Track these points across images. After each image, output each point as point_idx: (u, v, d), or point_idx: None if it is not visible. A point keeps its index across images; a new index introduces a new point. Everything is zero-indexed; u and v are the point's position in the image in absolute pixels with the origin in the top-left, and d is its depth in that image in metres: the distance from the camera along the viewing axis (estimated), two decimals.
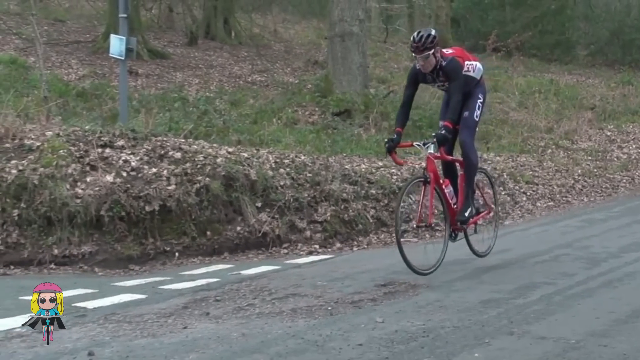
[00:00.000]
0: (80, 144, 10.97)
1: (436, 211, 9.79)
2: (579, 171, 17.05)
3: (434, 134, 8.67)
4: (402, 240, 8.51)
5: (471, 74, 8.97)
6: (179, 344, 6.21)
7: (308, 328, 6.71)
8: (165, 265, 10.33)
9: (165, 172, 10.81)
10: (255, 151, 12.35)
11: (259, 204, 11.17)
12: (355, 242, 11.50)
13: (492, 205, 10.00)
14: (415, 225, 9.24)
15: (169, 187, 10.64)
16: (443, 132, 8.49)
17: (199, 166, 11.07)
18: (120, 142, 11.20)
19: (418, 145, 8.80)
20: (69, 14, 24.62)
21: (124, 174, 10.63)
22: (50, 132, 11.17)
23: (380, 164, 13.22)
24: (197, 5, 26.00)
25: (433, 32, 8.57)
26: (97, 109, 16.04)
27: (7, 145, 10.74)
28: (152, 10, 25.44)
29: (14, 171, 10.26)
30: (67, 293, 8.23)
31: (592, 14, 31.30)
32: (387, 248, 11.17)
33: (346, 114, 17.39)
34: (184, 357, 5.90)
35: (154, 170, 10.81)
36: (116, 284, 9.01)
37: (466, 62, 8.92)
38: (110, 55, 13.72)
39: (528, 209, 14.45)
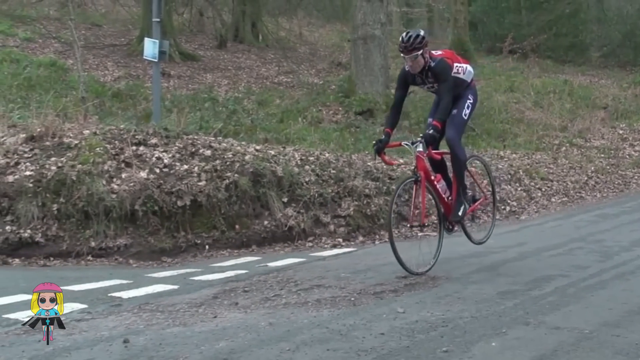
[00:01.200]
0: (116, 142, 11.01)
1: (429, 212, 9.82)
2: (592, 168, 16.94)
3: (422, 134, 8.33)
4: (395, 242, 8.18)
5: (461, 76, 8.54)
6: (209, 332, 6.23)
7: (332, 318, 6.70)
8: (196, 257, 10.35)
9: (196, 168, 10.84)
10: (281, 149, 12.35)
11: (285, 199, 11.18)
12: (377, 236, 11.46)
13: (489, 193, 9.77)
14: (409, 226, 8.68)
15: (200, 183, 10.66)
16: (431, 131, 8.15)
17: (228, 163, 11.09)
18: (154, 140, 11.24)
19: (407, 144, 8.36)
20: (105, 19, 24.72)
21: (157, 170, 10.66)
22: (87, 131, 11.22)
23: (401, 161, 13.17)
24: (227, 10, 26.03)
25: (422, 32, 8.24)
26: (132, 108, 16.10)
27: (47, 143, 10.80)
28: (183, 14, 25.48)
29: (53, 168, 10.32)
30: (103, 283, 8.32)
31: (604, 17, 31.04)
32: (408, 241, 11.12)
33: (368, 113, 17.36)
34: (214, 345, 5.91)
35: (186, 167, 10.83)
36: (150, 275, 9.04)
37: (455, 64, 8.50)
38: (144, 57, 13.76)
39: (543, 204, 14.37)
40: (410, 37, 8.15)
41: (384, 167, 12.62)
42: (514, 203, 13.92)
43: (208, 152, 11.21)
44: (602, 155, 18.06)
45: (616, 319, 6.54)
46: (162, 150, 11.09)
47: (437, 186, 8.54)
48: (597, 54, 30.18)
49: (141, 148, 11.04)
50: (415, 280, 8.12)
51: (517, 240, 10.82)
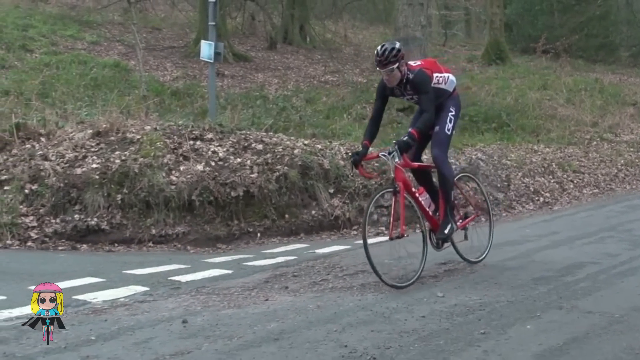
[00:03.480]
0: (175, 137, 11.08)
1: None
2: (622, 161, 16.67)
3: (395, 141, 7.48)
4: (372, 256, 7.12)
5: (442, 86, 7.70)
6: (261, 314, 6.25)
7: (376, 301, 6.69)
8: (248, 244, 10.38)
9: (248, 161, 10.86)
10: (328, 143, 12.33)
11: (332, 190, 11.17)
12: (418, 225, 11.35)
13: (484, 206, 8.84)
14: (388, 238, 7.38)
15: (252, 175, 10.69)
16: (406, 138, 7.28)
17: (278, 156, 11.10)
18: (209, 135, 11.29)
19: (384, 155, 7.39)
20: (165, 23, 24.86)
21: (213, 163, 10.71)
22: (148, 127, 11.30)
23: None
24: (277, 14, 26.02)
25: (397, 45, 7.41)
26: (189, 106, 16.19)
27: (112, 138, 10.90)
28: (236, 18, 25.53)
29: (117, 161, 10.41)
30: (163, 268, 8.39)
31: (634, 18, 30.50)
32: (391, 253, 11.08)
33: (409, 110, 17.22)
34: (265, 326, 5.93)
35: (239, 160, 10.87)
36: (206, 260, 9.08)
37: (435, 74, 7.65)
38: (201, 58, 13.84)
39: (575, 196, 14.20)
40: (385, 50, 7.38)
41: (424, 159, 12.50)
42: (547, 194, 13.76)
43: (260, 147, 11.24)
44: (631, 149, 17.75)
45: None
46: (217, 144, 11.13)
47: (420, 199, 7.70)
48: (626, 53, 29.71)
49: (198, 142, 11.09)
50: (454, 267, 8.08)
51: (550, 229, 10.69)
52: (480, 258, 8.21)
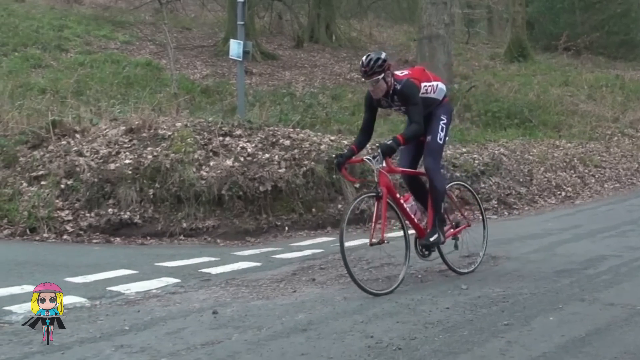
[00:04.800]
0: (205, 133, 11.11)
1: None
2: None
3: (378, 143, 7.07)
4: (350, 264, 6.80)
5: (431, 95, 7.21)
6: (289, 305, 6.25)
7: (401, 293, 6.67)
8: (276, 237, 10.38)
9: (276, 157, 10.87)
10: (353, 139, 12.28)
11: (357, 185, 11.13)
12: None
13: (473, 217, 8.31)
14: (369, 243, 6.89)
15: (280, 170, 10.69)
16: (389, 142, 6.85)
17: (305, 152, 11.10)
18: (238, 132, 11.31)
19: (368, 159, 6.95)
20: (194, 23, 24.93)
21: (242, 159, 10.73)
22: (179, 123, 11.34)
23: (464, 149, 13.01)
24: (303, 13, 26.01)
25: (383, 55, 6.96)
26: (218, 103, 16.20)
27: (144, 134, 10.95)
28: (264, 18, 25.55)
29: (149, 156, 10.46)
30: (194, 260, 8.41)
31: None
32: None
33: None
34: (293, 317, 5.92)
35: (267, 155, 10.87)
36: (235, 253, 9.10)
37: (423, 84, 7.15)
38: (230, 57, 13.84)
39: (596, 190, 14.08)
40: (370, 60, 6.90)
41: (448, 155, 12.47)
42: (569, 189, 13.65)
43: (287, 142, 11.23)
44: None
45: None
46: (246, 140, 11.15)
47: (405, 206, 7.22)
48: None
49: (227, 139, 11.12)
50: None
51: (572, 223, 10.61)
52: (472, 269, 7.55)
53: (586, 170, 14.78)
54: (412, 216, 7.25)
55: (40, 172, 10.51)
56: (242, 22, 13.42)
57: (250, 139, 11.18)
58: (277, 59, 21.83)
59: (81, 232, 9.91)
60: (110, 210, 10.05)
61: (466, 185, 8.94)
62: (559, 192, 13.37)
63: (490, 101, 17.89)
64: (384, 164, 6.87)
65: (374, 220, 6.87)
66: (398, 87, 6.98)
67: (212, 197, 10.28)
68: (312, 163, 10.92)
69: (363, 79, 7.16)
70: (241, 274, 7.68)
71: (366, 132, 7.26)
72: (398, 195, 7.17)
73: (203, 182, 10.32)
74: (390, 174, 7.06)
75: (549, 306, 6.12)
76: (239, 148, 10.91)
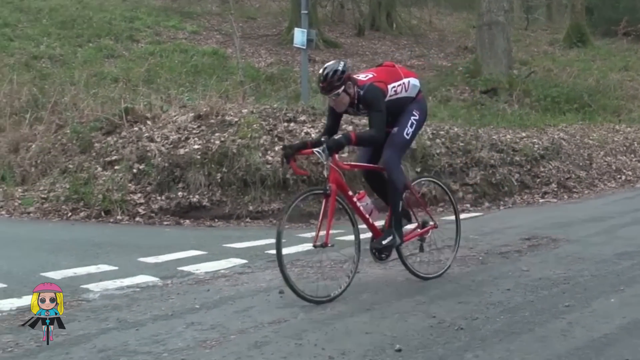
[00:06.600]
0: (270, 119, 11.15)
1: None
2: None
3: (323, 139, 6.23)
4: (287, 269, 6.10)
5: (402, 94, 6.41)
6: (354, 285, 6.23)
7: (462, 275, 6.63)
8: (339, 220, 10.29)
9: None
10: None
11: (419, 169, 11.05)
12: (502, 202, 11.20)
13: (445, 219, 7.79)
14: (312, 246, 6.23)
15: (343, 155, 10.65)
16: (338, 137, 6.21)
17: None
18: (302, 117, 11.32)
19: (318, 152, 6.08)
20: (259, 12, 25.02)
21: None
22: (245, 110, 11.41)
23: (524, 134, 12.81)
24: (364, 2, 25.86)
25: (341, 66, 6.16)
26: (283, 90, 16.26)
27: (212, 120, 11.05)
28: (326, 7, 25.49)
29: (217, 142, 10.55)
30: (260, 242, 8.47)
31: None
32: (529, 207, 10.88)
33: (492, 92, 17.00)
34: (358, 297, 5.95)
35: None
36: (299, 235, 9.07)
37: (391, 85, 6.32)
38: (294, 45, 13.88)
39: None
40: (327, 74, 6.10)
41: (508, 139, 12.30)
42: (629, 172, 13.34)
43: (350, 128, 11.18)
44: None
45: None
46: (309, 126, 11.15)
47: (359, 204, 6.50)
48: None
49: (291, 124, 11.14)
50: (538, 242, 7.94)
51: (632, 206, 10.38)
52: (439, 273, 6.70)
53: None
54: (367, 216, 6.53)
55: (114, 157, 10.70)
56: (306, 12, 13.44)
57: (313, 125, 11.17)
58: (339, 47, 21.79)
59: (152, 215, 10.06)
60: (180, 193, 10.18)
61: (436, 180, 8.04)
62: (619, 176, 13.08)
63: (549, 86, 17.58)
64: (328, 160, 6.11)
65: (319, 219, 6.20)
66: (361, 92, 6.21)
67: (277, 181, 10.32)
68: None
69: (323, 94, 6.32)
70: (305, 255, 7.68)
71: (329, 135, 6.44)
72: (351, 193, 6.45)
73: (268, 166, 10.36)
74: (341, 169, 6.33)
75: (610, 288, 6.02)
76: (303, 133, 10.92)
